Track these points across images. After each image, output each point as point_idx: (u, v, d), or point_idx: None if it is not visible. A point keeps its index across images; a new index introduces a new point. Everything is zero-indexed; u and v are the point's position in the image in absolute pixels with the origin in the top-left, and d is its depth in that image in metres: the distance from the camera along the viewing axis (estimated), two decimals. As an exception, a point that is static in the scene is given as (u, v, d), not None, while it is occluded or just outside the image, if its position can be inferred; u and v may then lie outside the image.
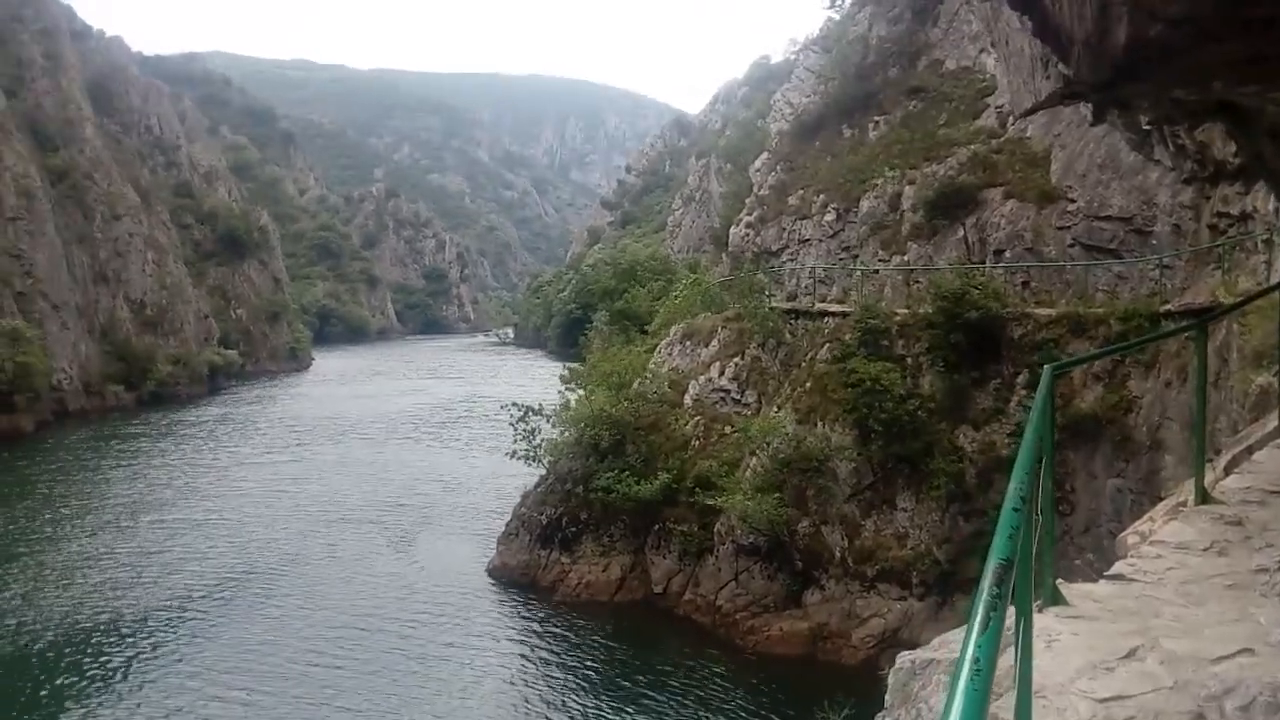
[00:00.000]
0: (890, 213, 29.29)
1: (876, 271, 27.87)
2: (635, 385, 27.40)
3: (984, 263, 25.38)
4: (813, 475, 21.22)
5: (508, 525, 27.21)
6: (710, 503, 22.22)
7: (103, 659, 20.60)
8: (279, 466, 44.33)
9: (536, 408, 28.73)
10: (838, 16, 44.27)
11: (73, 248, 68.61)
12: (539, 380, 66.45)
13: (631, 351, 35.42)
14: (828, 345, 23.49)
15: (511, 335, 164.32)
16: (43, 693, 18.90)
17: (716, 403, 26.15)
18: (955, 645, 3.40)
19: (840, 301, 26.71)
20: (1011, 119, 27.90)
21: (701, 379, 26.90)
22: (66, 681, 19.40)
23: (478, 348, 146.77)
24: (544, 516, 25.80)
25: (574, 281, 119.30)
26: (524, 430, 28.09)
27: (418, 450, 48.83)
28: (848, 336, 22.72)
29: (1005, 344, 20.68)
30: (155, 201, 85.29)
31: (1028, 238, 25.64)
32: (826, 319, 24.97)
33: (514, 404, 29.00)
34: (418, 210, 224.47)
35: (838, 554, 20.52)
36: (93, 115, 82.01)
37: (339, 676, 19.51)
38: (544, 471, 27.56)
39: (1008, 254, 25.78)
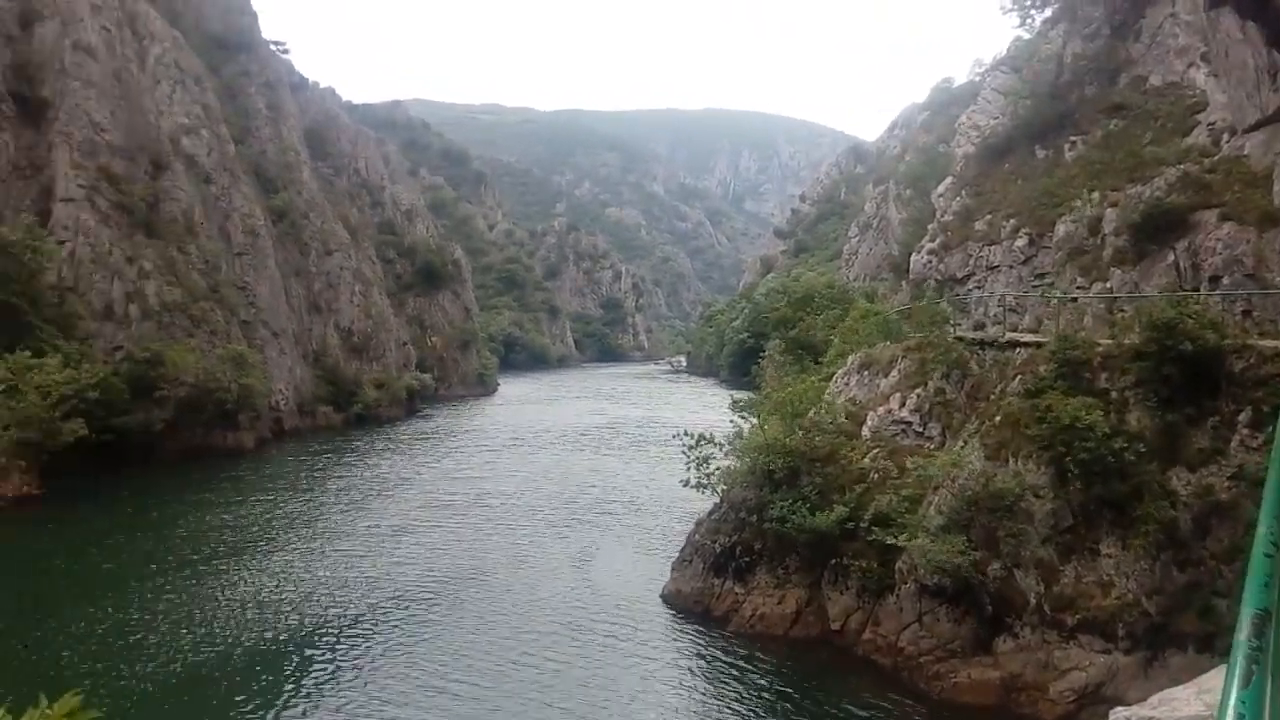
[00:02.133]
0: (1089, 237, 27.49)
1: (1075, 299, 26.17)
2: (810, 415, 26.94)
3: (1198, 289, 23.33)
4: (1003, 515, 20.04)
5: (682, 551, 27.29)
6: (891, 541, 21.42)
7: (299, 658, 22.20)
8: (469, 482, 46.87)
9: (709, 435, 28.80)
10: (1028, 35, 42.29)
11: (290, 280, 75.29)
12: (711, 408, 66.60)
13: (806, 381, 34.88)
14: (1019, 377, 22.22)
15: (684, 363, 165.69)
16: (249, 689, 20.54)
17: (896, 435, 25.27)
18: (1179, 704, 3.13)
19: (1033, 331, 25.26)
20: (1227, 136, 25.63)
21: (880, 410, 26.10)
22: (270, 680, 21.01)
23: (651, 375, 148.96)
24: (717, 545, 25.70)
25: (746, 310, 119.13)
26: (696, 457, 28.20)
27: (596, 471, 50.09)
28: (1042, 369, 21.40)
29: (1225, 378, 18.83)
30: (362, 238, 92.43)
31: (1248, 263, 23.36)
32: (1018, 350, 23.65)
33: (685, 432, 29.18)
34: (596, 243, 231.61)
35: (1033, 600, 19.23)
36: (308, 160, 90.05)
37: (511, 691, 20.07)
38: (717, 499, 27.53)
39: (1225, 280, 23.58)
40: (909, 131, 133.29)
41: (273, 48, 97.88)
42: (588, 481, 46.79)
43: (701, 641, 23.34)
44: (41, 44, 55.69)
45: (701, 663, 22.06)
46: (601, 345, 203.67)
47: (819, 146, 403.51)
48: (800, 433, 25.42)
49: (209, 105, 71.98)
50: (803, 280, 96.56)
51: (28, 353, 42.46)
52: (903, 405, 25.58)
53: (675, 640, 23.61)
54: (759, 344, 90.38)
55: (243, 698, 19.95)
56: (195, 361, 52.87)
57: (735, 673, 21.28)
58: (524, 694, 19.96)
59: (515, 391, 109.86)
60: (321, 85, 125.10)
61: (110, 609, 25.62)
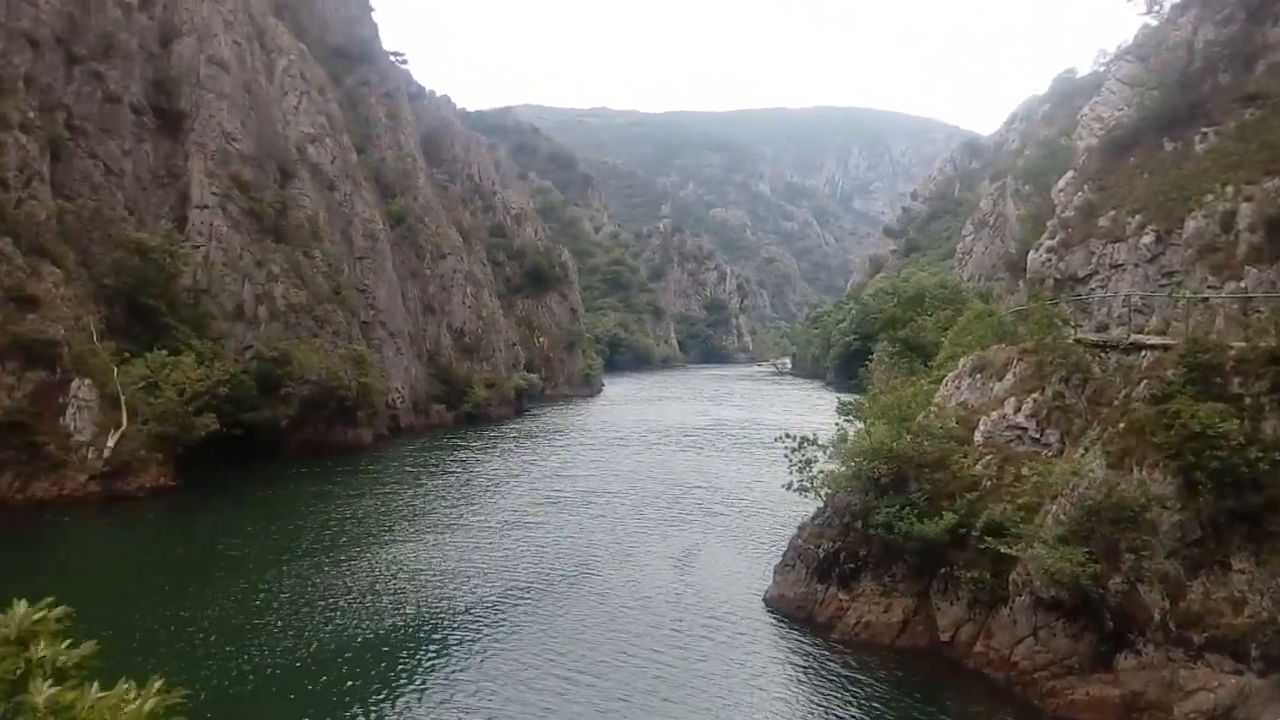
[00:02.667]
0: (1222, 233, 25.94)
1: (1205, 299, 24.77)
2: (919, 419, 26.33)
3: (1346, 289, 21.72)
4: (1126, 527, 19.15)
5: (784, 556, 27.09)
6: (1005, 550, 20.75)
7: (411, 647, 23.03)
8: (576, 479, 47.81)
9: (812, 438, 28.50)
10: (1155, 22, 40.15)
11: (406, 282, 78.05)
12: (816, 410, 65.83)
13: (915, 383, 34.09)
14: (1145, 382, 21.18)
15: (789, 365, 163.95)
16: (364, 675, 21.44)
17: (1011, 441, 24.44)
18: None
19: (1160, 333, 24.02)
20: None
21: (994, 415, 25.29)
22: (382, 667, 21.87)
23: (756, 377, 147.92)
24: (821, 550, 25.40)
25: (854, 311, 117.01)
26: (799, 460, 27.95)
27: (699, 471, 50.26)
28: (1170, 373, 20.35)
29: (1375, 384, 17.54)
30: (474, 241, 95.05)
31: (1405, 259, 21.62)
32: (1143, 353, 22.53)
33: (788, 434, 28.94)
34: (701, 244, 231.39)
35: (1157, 616, 18.32)
36: (424, 166, 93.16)
37: (613, 691, 20.30)
38: (820, 503, 27.20)
39: (1378, 279, 21.89)
40: (1028, 124, 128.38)
41: (392, 58, 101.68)
42: (691, 481, 46.98)
43: (804, 648, 23.11)
44: (179, 59, 59.42)
45: (805, 670, 21.84)
46: (705, 346, 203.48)
47: (932, 142, 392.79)
48: (908, 437, 24.85)
49: (332, 115, 75.32)
50: (913, 280, 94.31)
51: (165, 351, 45.39)
52: (1018, 410, 24.73)
53: (778, 646, 23.46)
54: (866, 346, 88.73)
55: (357, 683, 20.85)
56: (319, 361, 55.42)
57: (840, 681, 20.99)
58: (626, 694, 20.19)
59: (619, 392, 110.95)
60: (437, 94, 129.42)
61: (239, 594, 27.16)
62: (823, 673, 21.59)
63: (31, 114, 46.42)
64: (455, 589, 27.98)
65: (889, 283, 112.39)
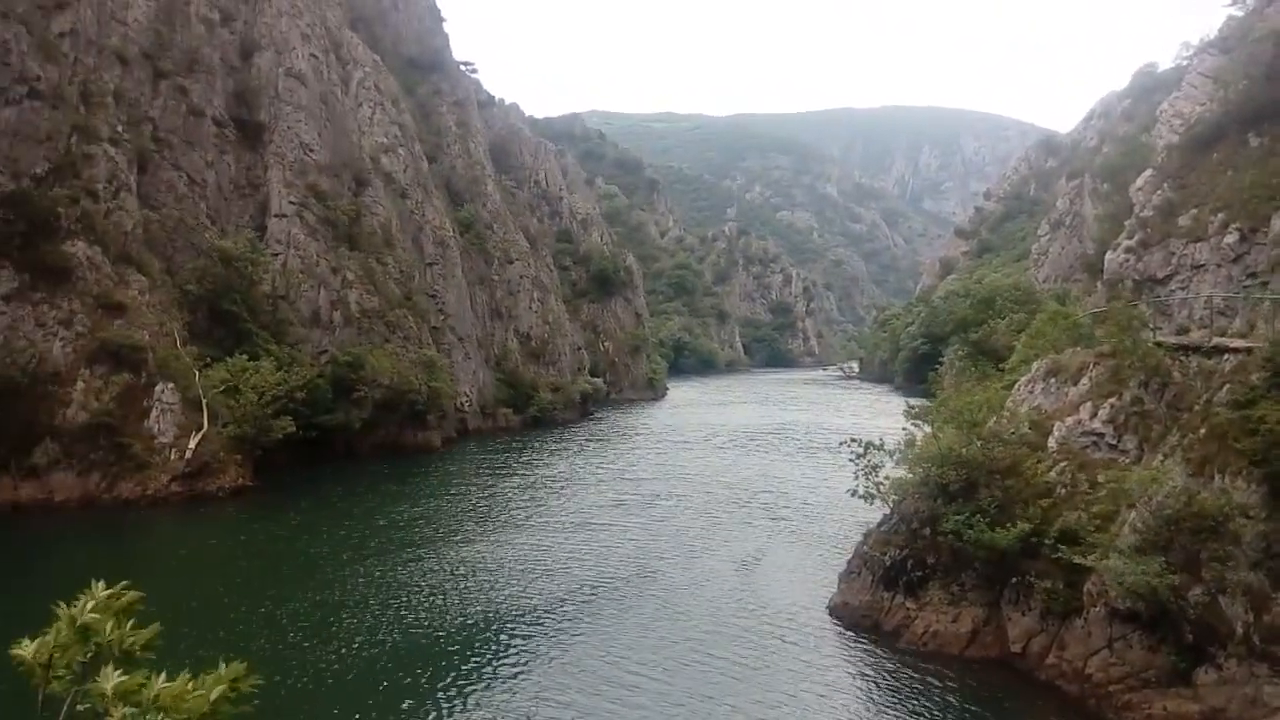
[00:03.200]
0: (1313, 232, 24.80)
1: (1294, 301, 23.69)
2: (990, 424, 25.76)
3: None
4: (1207, 536, 18.45)
5: (849, 563, 26.76)
6: (1079, 560, 20.16)
7: (478, 645, 23.40)
8: (641, 482, 48.11)
9: (879, 443, 28.08)
10: (1241, 13, 38.62)
11: (475, 288, 79.31)
12: (883, 415, 64.84)
13: (986, 388, 33.37)
14: (1228, 386, 20.38)
15: (856, 369, 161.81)
16: (430, 671, 21.84)
17: (1086, 448, 23.73)
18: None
19: (1243, 335, 23.07)
20: None
21: (1069, 420, 24.59)
22: (448, 664, 22.25)
23: (821, 381, 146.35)
24: (887, 557, 25.02)
25: (924, 314, 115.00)
26: (865, 466, 27.56)
27: (764, 475, 50.00)
28: (1255, 377, 19.53)
29: None
30: (541, 247, 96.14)
31: None
32: (1226, 356, 21.68)
33: (854, 439, 28.57)
34: (766, 247, 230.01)
35: (1239, 629, 17.60)
36: (493, 173, 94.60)
37: (674, 696, 20.26)
38: (887, 510, 26.80)
39: None
40: (1107, 121, 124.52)
41: (462, 68, 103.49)
42: (756, 485, 46.79)
43: (871, 657, 22.79)
44: (259, 73, 61.46)
45: (871, 679, 21.53)
46: (771, 350, 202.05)
47: (1006, 140, 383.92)
48: (978, 443, 24.33)
49: (405, 125, 77.01)
50: (986, 282, 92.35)
51: (245, 356, 46.97)
52: (1094, 415, 24.01)
53: (843, 654, 23.18)
54: (936, 349, 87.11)
55: (428, 679, 21.27)
56: (390, 365, 56.68)
57: (908, 692, 20.64)
58: (688, 698, 20.17)
59: (684, 396, 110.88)
60: (506, 102, 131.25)
61: (316, 590, 27.96)
62: (889, 682, 21.26)
63: (120, 127, 48.51)
64: (523, 588, 28.39)
65: (960, 285, 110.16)
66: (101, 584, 3.39)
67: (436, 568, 30.82)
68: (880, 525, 26.51)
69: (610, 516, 39.35)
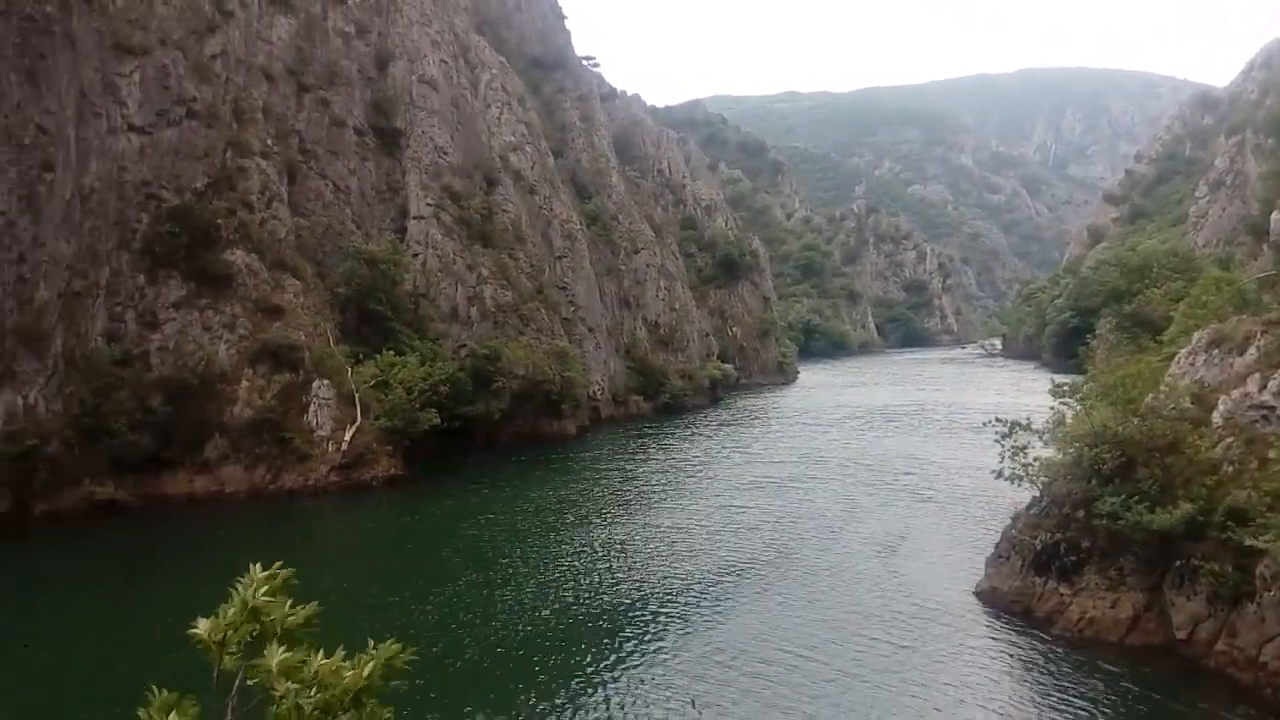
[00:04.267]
0: None
1: None
2: (1148, 400, 24.22)
3: None
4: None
5: (997, 547, 25.76)
6: (1250, 542, 18.73)
7: (621, 626, 23.81)
8: (777, 464, 48.02)
9: (1025, 423, 26.87)
10: None
11: (603, 279, 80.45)
12: (1030, 393, 62.02)
13: (1142, 361, 31.37)
14: None
15: (999, 346, 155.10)
16: (576, 649, 22.39)
17: (1255, 422, 21.99)
18: None
19: None
20: None
21: (1235, 394, 22.84)
22: (591, 644, 22.75)
23: (961, 360, 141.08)
24: (1038, 541, 23.95)
25: (1071, 286, 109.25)
26: (1011, 446, 26.42)
27: (904, 457, 48.86)
28: None
29: None
30: (666, 235, 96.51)
31: None
32: None
33: (998, 418, 27.43)
34: (898, 223, 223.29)
35: None
36: (617, 165, 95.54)
37: (817, 681, 20.07)
38: (1036, 492, 25.63)
39: None
40: (1269, 72, 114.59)
41: (584, 63, 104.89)
42: (896, 466, 45.81)
43: (1023, 644, 21.91)
44: (394, 81, 64.13)
45: (1024, 667, 20.69)
46: (906, 330, 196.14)
47: (1157, 98, 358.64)
48: (1135, 420, 22.92)
49: (531, 123, 78.77)
50: (1140, 249, 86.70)
51: (391, 352, 49.34)
52: (1264, 387, 22.22)
53: (993, 640, 22.37)
54: (1086, 322, 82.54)
55: (574, 657, 21.85)
56: (525, 357, 58.28)
57: (1065, 681, 19.73)
58: (830, 682, 19.95)
59: (815, 379, 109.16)
60: (628, 93, 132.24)
61: (470, 572, 29.19)
62: (1044, 670, 20.41)
63: (270, 141, 51.66)
64: (666, 569, 28.86)
65: (1111, 253, 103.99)
66: (259, 565, 3.64)
67: (583, 549, 31.71)
68: (1029, 508, 25.40)
69: (748, 498, 39.45)
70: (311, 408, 44.25)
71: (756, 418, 72.90)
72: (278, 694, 3.46)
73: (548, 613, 25.03)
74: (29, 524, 36.07)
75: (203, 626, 3.54)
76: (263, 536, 36.29)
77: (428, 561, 31.30)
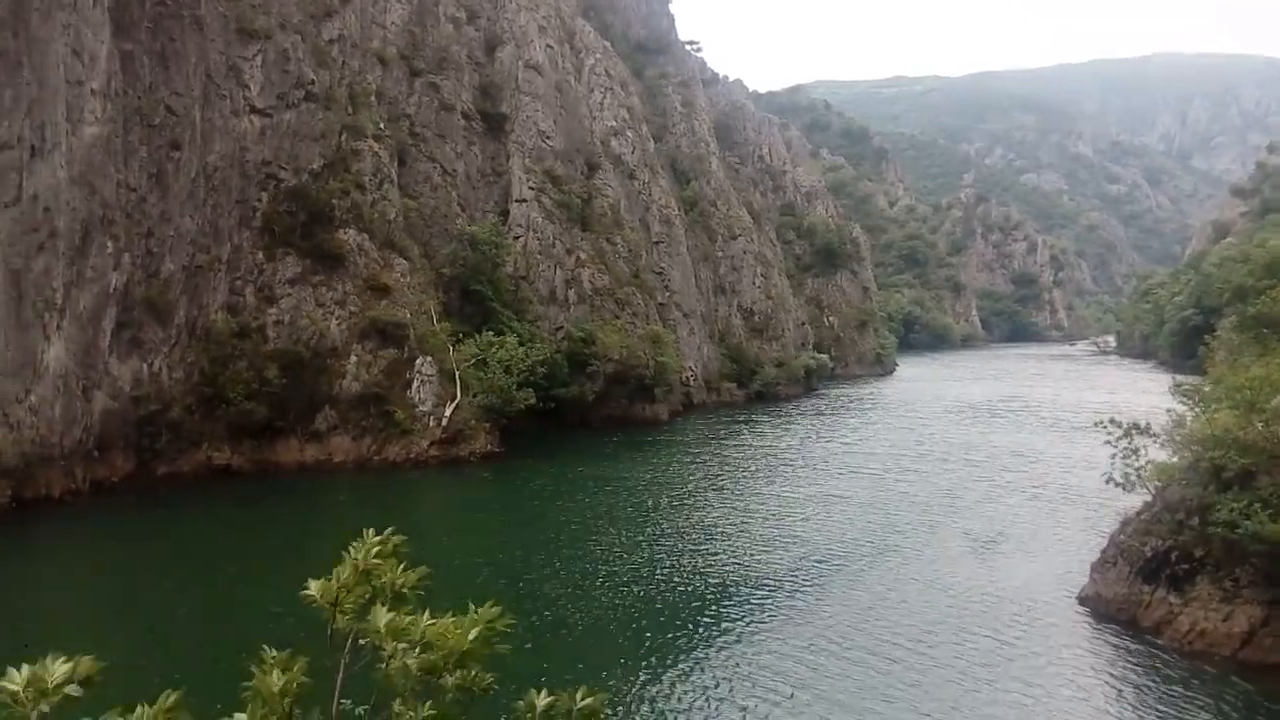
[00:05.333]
0: None
1: None
2: (1274, 403, 22.82)
3: None
4: None
5: (1104, 552, 24.75)
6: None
7: (712, 608, 23.87)
8: (872, 456, 47.52)
9: (1140, 425, 25.68)
10: None
11: (699, 265, 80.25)
12: (1145, 393, 59.32)
13: (1269, 364, 29.52)
14: None
15: (1112, 344, 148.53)
16: (662, 632, 22.55)
17: (1400, 433, 20.49)
18: None
19: None
20: None
21: (1376, 402, 21.32)
22: (684, 623, 22.86)
23: (1072, 356, 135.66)
24: (1148, 548, 22.91)
25: (1193, 283, 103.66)
26: (1124, 449, 25.29)
27: (1006, 453, 47.60)
28: None
29: None
30: (764, 222, 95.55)
31: None
32: None
33: (1111, 420, 26.28)
34: (1008, 213, 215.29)
35: None
36: (717, 150, 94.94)
37: (910, 682, 19.68)
38: (1148, 497, 24.50)
39: None
40: None
41: (687, 48, 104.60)
42: (1000, 463, 44.68)
43: (1128, 653, 21.05)
44: (501, 66, 65.22)
45: (1129, 678, 19.86)
46: (1012, 324, 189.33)
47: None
48: (1260, 424, 21.66)
49: (632, 107, 78.99)
50: (1269, 246, 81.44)
51: (491, 333, 50.45)
52: None
53: (1096, 649, 21.56)
54: (1208, 321, 78.30)
55: (666, 635, 22.01)
56: (620, 341, 58.73)
57: (1172, 694, 18.88)
58: (921, 682, 19.53)
59: (914, 372, 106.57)
60: (730, 79, 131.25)
61: (564, 547, 29.80)
62: (1150, 682, 19.57)
63: (382, 124, 53.26)
64: (757, 555, 28.88)
65: (1238, 249, 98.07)
66: (371, 530, 3.80)
67: (677, 531, 32.00)
68: (1140, 513, 24.32)
69: (843, 487, 39.09)
70: (414, 384, 45.61)
71: (852, 408, 71.77)
72: (386, 654, 3.59)
73: (641, 591, 25.37)
74: (152, 484, 38.39)
75: (315, 587, 3.68)
76: (368, 505, 37.77)
77: (523, 536, 32.00)
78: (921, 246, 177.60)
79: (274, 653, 3.40)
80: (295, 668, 3.41)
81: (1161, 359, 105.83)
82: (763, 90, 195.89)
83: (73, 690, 2.84)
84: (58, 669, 2.85)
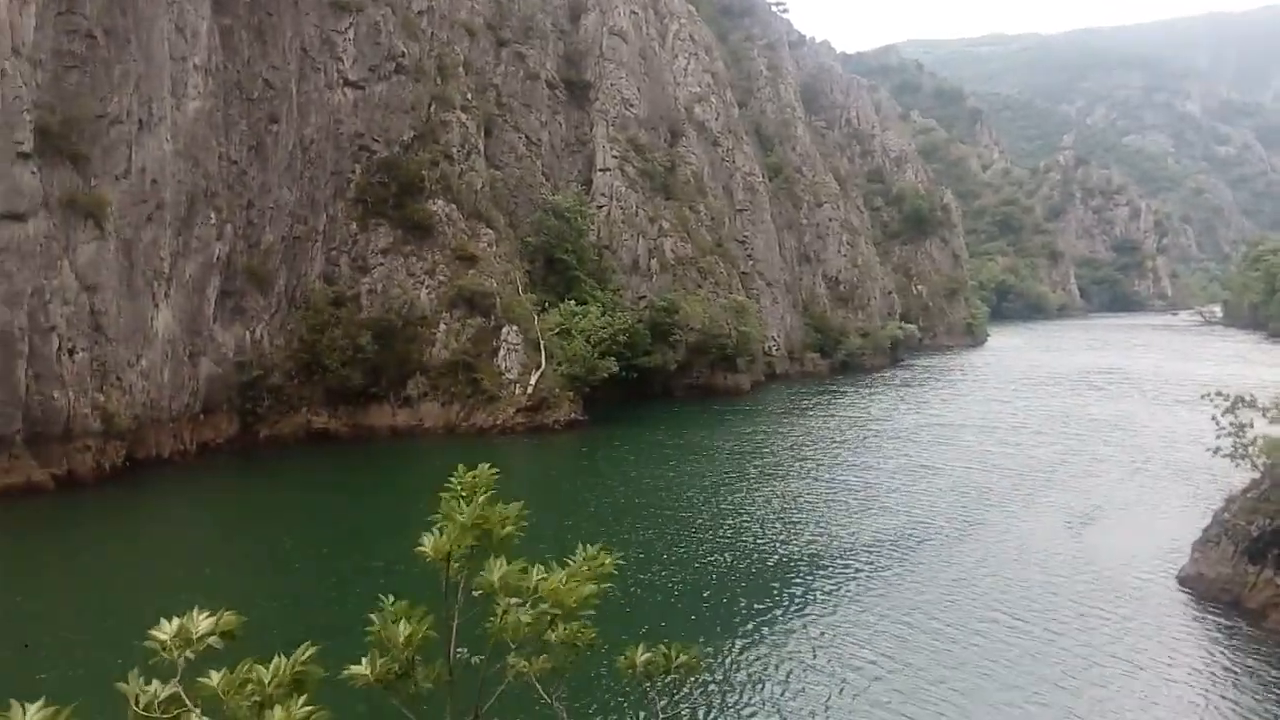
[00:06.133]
0: None
1: None
2: (1403, 380, 21.53)
3: None
4: None
5: (1206, 531, 23.82)
6: None
7: (798, 578, 23.89)
8: (960, 429, 46.62)
9: (1248, 398, 24.55)
10: None
11: (783, 232, 79.26)
12: (1256, 365, 56.52)
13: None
14: None
15: (1219, 314, 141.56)
16: (753, 599, 22.67)
17: None
18: None
19: None
20: None
21: None
22: (773, 591, 22.95)
23: (1176, 327, 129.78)
24: (1255, 527, 21.97)
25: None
26: (1231, 424, 24.24)
27: (1103, 427, 46.24)
28: None
29: None
30: (850, 188, 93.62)
31: None
32: None
33: (1218, 393, 25.19)
34: (1109, 176, 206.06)
35: None
36: (803, 115, 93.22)
37: (998, 652, 19.41)
38: (1257, 474, 23.45)
39: None
40: None
41: (773, 10, 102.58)
42: (1097, 436, 43.56)
43: (1230, 637, 20.33)
44: (585, 34, 65.17)
45: (1230, 665, 19.16)
46: (1112, 293, 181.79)
47: None
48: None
49: (717, 73, 78.06)
50: (1401, 209, 76.25)
51: (574, 302, 50.93)
52: None
53: (1196, 631, 20.88)
54: (1328, 291, 73.82)
55: (756, 602, 22.08)
56: (702, 310, 58.61)
57: (1276, 681, 18.16)
58: (1012, 662, 19.11)
59: (1006, 342, 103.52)
60: (817, 40, 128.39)
61: (649, 512, 30.14)
62: (1253, 668, 18.88)
63: (470, 95, 53.92)
64: (844, 526, 28.80)
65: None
66: (462, 466, 3.90)
67: (761, 500, 32.10)
68: (1247, 490, 23.34)
69: (932, 458, 38.60)
70: (501, 352, 46.48)
71: (941, 379, 70.27)
72: (500, 606, 3.75)
73: (729, 558, 25.61)
74: (254, 446, 40.23)
75: (428, 543, 3.84)
76: (455, 466, 38.76)
77: (608, 503, 32.53)
78: (1016, 212, 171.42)
79: (394, 602, 3.58)
80: (419, 618, 3.59)
81: (1272, 330, 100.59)
82: (851, 51, 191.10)
83: (215, 642, 3.07)
84: (202, 622, 3.09)
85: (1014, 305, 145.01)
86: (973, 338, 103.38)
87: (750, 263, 71.21)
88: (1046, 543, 26.81)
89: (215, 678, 3.01)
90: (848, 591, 23.10)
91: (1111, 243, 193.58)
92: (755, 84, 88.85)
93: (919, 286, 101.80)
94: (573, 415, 46.72)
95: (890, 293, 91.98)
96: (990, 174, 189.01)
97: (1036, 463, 37.80)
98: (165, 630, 3.04)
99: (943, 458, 39.04)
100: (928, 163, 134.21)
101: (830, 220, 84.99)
